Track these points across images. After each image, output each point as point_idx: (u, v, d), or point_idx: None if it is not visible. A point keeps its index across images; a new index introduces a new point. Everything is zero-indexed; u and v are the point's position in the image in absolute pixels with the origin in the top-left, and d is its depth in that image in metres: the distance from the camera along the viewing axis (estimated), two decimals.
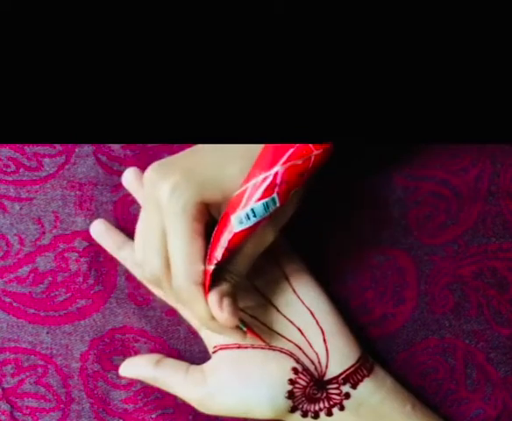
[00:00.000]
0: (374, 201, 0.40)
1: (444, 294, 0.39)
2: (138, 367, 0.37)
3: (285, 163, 0.31)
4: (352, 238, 0.40)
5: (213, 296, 0.31)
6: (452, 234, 0.40)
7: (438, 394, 0.39)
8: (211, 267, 0.31)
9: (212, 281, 0.31)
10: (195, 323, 0.38)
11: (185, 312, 0.38)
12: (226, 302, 0.31)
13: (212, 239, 0.32)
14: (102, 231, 0.38)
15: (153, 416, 0.38)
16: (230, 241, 0.31)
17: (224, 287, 0.31)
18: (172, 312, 0.38)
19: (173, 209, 0.31)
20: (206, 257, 0.31)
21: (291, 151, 0.31)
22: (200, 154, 0.33)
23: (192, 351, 0.39)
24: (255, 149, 0.32)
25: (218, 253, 0.31)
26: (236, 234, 0.31)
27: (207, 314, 0.31)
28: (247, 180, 0.31)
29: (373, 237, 0.40)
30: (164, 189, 0.31)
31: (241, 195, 0.31)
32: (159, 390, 0.37)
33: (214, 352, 0.36)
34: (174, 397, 0.37)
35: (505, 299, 0.39)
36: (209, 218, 0.32)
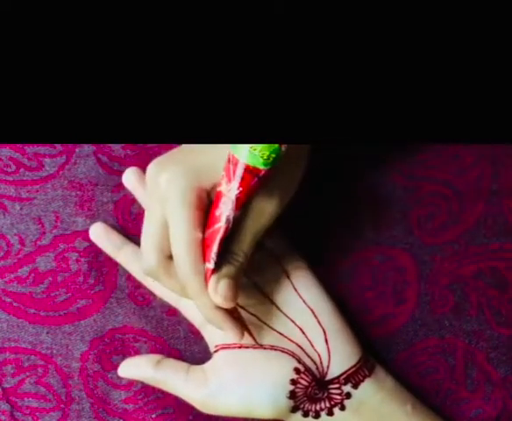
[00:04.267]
0: (375, 201, 0.40)
1: (444, 294, 0.39)
2: (137, 368, 0.37)
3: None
4: (352, 237, 0.40)
5: (211, 281, 0.30)
6: (453, 234, 0.40)
7: (438, 394, 0.39)
8: (211, 266, 0.31)
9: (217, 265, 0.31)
10: (197, 321, 0.38)
11: (186, 310, 0.38)
12: (222, 283, 0.30)
13: (206, 236, 0.31)
14: (101, 234, 0.38)
15: (154, 416, 0.38)
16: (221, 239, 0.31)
17: (224, 270, 0.31)
18: (172, 312, 0.38)
19: (171, 196, 0.31)
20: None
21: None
22: (197, 146, 0.33)
23: (192, 351, 0.39)
24: None
25: (214, 251, 0.31)
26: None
27: (208, 304, 0.31)
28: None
29: (373, 237, 0.40)
30: (162, 179, 0.32)
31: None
32: (159, 390, 0.37)
33: (215, 351, 0.36)
34: (175, 397, 0.37)
35: (505, 299, 0.39)
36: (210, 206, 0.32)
